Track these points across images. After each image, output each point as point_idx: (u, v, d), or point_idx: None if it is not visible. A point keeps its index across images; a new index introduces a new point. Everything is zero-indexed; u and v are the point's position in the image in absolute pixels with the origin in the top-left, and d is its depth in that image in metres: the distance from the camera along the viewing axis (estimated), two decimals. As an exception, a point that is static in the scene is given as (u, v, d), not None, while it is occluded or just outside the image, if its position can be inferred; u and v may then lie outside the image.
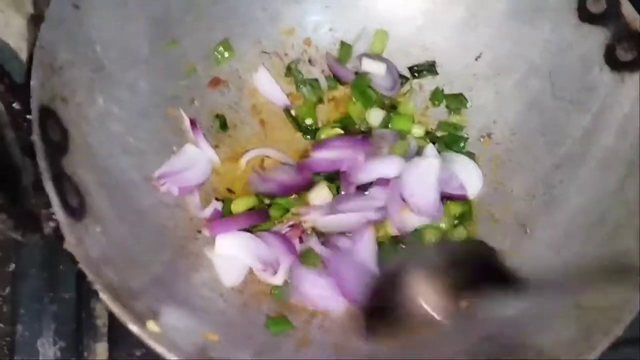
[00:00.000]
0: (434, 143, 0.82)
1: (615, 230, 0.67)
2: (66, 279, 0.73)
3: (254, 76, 0.86)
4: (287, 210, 0.78)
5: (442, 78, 0.87)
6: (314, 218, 0.77)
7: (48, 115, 0.62)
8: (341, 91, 0.88)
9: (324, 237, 0.77)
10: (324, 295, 0.73)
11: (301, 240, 0.76)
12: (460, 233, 0.79)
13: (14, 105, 0.60)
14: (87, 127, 0.68)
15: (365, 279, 0.71)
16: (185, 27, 0.81)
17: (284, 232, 0.77)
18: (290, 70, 0.87)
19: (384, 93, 0.86)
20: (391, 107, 0.86)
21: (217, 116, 0.83)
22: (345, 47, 0.88)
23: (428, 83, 0.87)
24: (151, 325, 0.58)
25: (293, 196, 0.79)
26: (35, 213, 0.57)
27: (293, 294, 0.73)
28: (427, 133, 0.85)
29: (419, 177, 0.77)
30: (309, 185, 0.79)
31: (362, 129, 0.85)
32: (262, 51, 0.87)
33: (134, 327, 0.56)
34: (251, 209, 0.78)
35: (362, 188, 0.79)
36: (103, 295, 0.56)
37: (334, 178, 0.80)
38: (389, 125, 0.84)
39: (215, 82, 0.84)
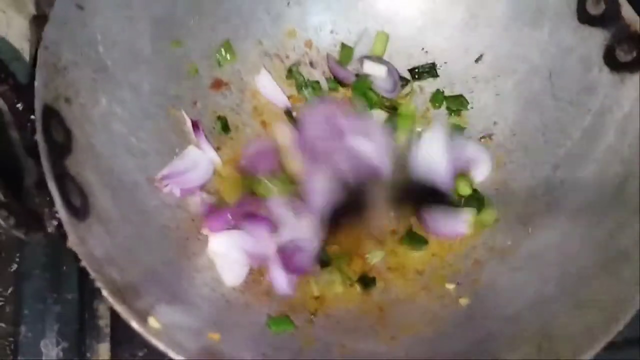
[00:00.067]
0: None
1: (615, 229, 0.67)
2: (69, 280, 0.74)
3: (255, 78, 0.86)
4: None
5: (442, 80, 0.87)
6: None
7: (51, 115, 0.62)
8: (342, 93, 0.88)
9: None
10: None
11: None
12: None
13: (18, 105, 0.61)
14: (90, 127, 0.69)
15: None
16: (188, 28, 0.81)
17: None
18: (291, 73, 0.88)
19: (385, 95, 0.87)
20: (392, 109, 0.86)
21: (219, 118, 0.84)
22: (346, 49, 0.88)
23: (428, 85, 0.88)
24: (152, 322, 0.58)
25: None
26: (39, 212, 0.58)
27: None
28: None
29: (429, 146, 0.80)
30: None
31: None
32: (264, 53, 0.87)
33: (135, 324, 0.56)
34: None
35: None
36: (105, 292, 0.56)
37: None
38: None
39: (217, 84, 0.85)
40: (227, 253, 0.73)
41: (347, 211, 0.78)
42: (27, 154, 0.61)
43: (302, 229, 0.76)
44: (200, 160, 0.79)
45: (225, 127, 0.84)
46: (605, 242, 0.67)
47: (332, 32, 0.88)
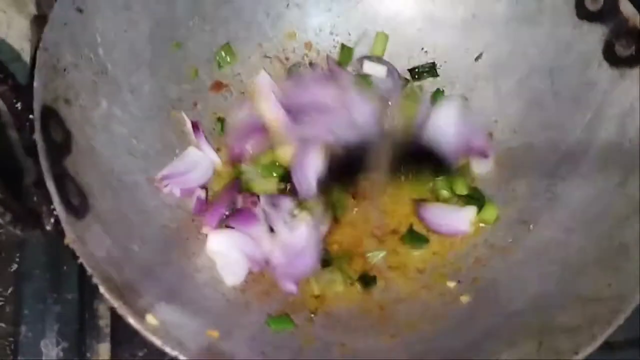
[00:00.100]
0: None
1: (616, 225, 0.66)
2: (69, 280, 0.74)
3: (255, 80, 0.86)
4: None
5: (442, 79, 0.87)
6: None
7: (50, 115, 0.63)
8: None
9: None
10: None
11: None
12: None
13: (17, 105, 0.61)
14: (90, 129, 0.69)
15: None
16: (189, 31, 0.82)
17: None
18: (291, 74, 0.88)
19: (385, 95, 0.86)
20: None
21: (219, 119, 0.84)
22: (345, 50, 0.88)
23: (429, 84, 0.88)
24: (150, 319, 0.58)
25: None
26: (37, 210, 0.58)
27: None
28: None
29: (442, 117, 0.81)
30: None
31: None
32: (264, 55, 0.88)
33: (132, 321, 0.56)
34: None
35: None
36: (102, 289, 0.56)
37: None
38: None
39: (218, 85, 0.85)
40: (227, 253, 0.73)
41: (345, 172, 0.79)
42: (26, 154, 0.61)
43: (301, 232, 0.76)
44: (200, 161, 0.79)
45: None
46: (605, 239, 0.67)
47: (331, 33, 0.89)
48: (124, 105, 0.75)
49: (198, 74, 0.83)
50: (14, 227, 0.55)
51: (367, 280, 0.75)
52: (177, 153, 0.79)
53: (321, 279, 0.75)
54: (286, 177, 0.79)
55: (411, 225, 0.79)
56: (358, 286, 0.75)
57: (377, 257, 0.77)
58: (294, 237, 0.75)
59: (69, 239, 0.57)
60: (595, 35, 0.74)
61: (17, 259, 0.75)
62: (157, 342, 0.56)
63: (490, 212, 0.78)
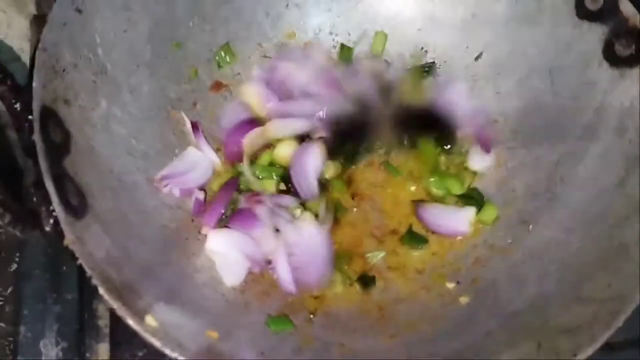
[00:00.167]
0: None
1: (616, 225, 0.66)
2: (69, 280, 0.74)
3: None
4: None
5: (442, 79, 0.87)
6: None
7: (49, 116, 0.63)
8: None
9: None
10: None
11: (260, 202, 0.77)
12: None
13: (16, 106, 0.61)
14: (89, 129, 0.69)
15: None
16: (189, 31, 0.82)
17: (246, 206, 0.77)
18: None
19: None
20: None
21: (219, 119, 0.84)
22: (345, 50, 0.88)
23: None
24: (150, 320, 0.58)
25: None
26: (37, 211, 0.58)
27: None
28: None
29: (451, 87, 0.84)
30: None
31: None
32: (264, 55, 0.88)
33: (131, 322, 0.56)
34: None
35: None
36: (101, 290, 0.56)
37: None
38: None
39: (217, 85, 0.85)
40: (226, 253, 0.73)
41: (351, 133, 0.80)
42: (25, 154, 0.61)
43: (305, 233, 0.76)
44: (199, 161, 0.79)
45: (225, 128, 0.84)
46: (605, 239, 0.67)
47: (331, 33, 0.89)
48: (124, 105, 0.75)
49: (198, 74, 0.83)
50: (13, 228, 0.55)
51: (366, 280, 0.75)
52: (176, 153, 0.79)
53: (321, 279, 0.75)
54: (286, 177, 0.79)
55: (410, 226, 0.79)
56: (357, 286, 0.75)
57: (376, 257, 0.77)
58: (303, 239, 0.75)
59: (68, 240, 0.57)
60: (595, 35, 0.73)
61: (17, 259, 0.75)
62: (156, 343, 0.56)
63: (489, 213, 0.78)
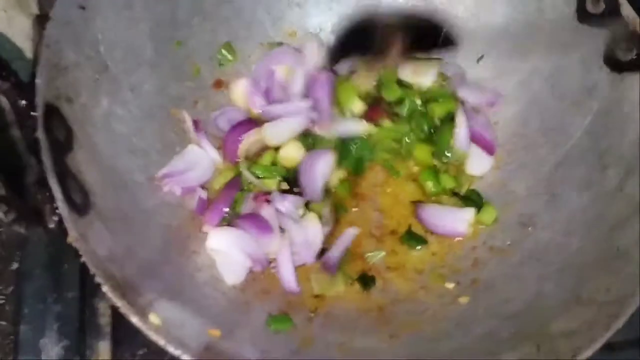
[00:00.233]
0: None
1: (615, 226, 0.67)
2: (70, 279, 0.74)
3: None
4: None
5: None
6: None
7: (53, 113, 0.63)
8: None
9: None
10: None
11: (268, 202, 0.77)
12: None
13: (20, 103, 0.61)
14: (91, 127, 0.69)
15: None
16: (190, 29, 0.82)
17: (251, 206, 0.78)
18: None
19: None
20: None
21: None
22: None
23: (429, 85, 0.88)
24: (153, 318, 0.58)
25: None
26: (40, 208, 0.58)
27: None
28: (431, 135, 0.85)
29: None
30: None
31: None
32: (265, 54, 0.87)
33: (135, 320, 0.56)
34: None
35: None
36: (105, 288, 0.56)
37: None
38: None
39: (219, 84, 0.85)
40: (227, 251, 0.73)
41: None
42: (29, 152, 0.61)
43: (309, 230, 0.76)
44: (200, 159, 0.79)
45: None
46: (605, 240, 0.67)
47: (332, 32, 0.89)
48: (125, 103, 0.75)
49: (199, 72, 0.83)
50: (17, 225, 0.55)
51: (366, 280, 0.76)
52: (177, 151, 0.79)
53: (321, 278, 0.75)
54: (288, 177, 0.80)
55: (410, 226, 0.80)
56: (357, 286, 0.76)
57: (376, 257, 0.78)
58: (307, 239, 0.76)
59: (72, 237, 0.57)
60: (596, 39, 0.74)
61: (18, 258, 0.75)
62: (159, 341, 0.57)
63: (488, 214, 0.79)
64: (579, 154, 0.75)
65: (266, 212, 0.76)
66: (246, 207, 0.77)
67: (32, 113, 0.60)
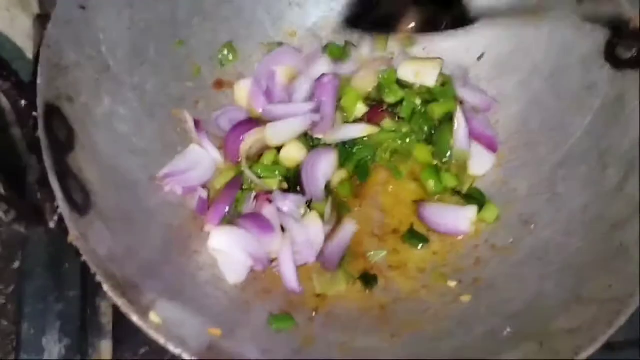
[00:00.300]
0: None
1: (616, 225, 0.67)
2: (71, 278, 0.74)
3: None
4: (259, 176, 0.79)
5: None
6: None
7: (54, 113, 0.63)
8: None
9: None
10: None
11: (270, 201, 0.77)
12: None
13: (21, 103, 0.61)
14: (93, 126, 0.69)
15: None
16: (191, 29, 0.82)
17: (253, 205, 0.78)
18: (292, 74, 0.88)
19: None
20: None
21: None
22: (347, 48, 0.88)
23: (430, 84, 0.88)
24: (153, 316, 0.58)
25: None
26: (41, 208, 0.58)
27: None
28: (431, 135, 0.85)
29: None
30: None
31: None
32: (266, 54, 0.88)
33: (135, 318, 0.56)
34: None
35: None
36: (106, 287, 0.56)
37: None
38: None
39: (219, 83, 0.85)
40: (229, 251, 0.73)
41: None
42: (30, 151, 0.62)
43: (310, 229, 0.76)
44: (202, 159, 0.79)
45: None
46: (606, 239, 0.67)
47: (333, 32, 0.89)
48: (126, 103, 0.75)
49: (200, 72, 0.84)
50: (18, 224, 0.55)
51: (368, 279, 0.76)
52: (178, 151, 0.79)
53: (322, 278, 0.75)
54: (289, 176, 0.80)
55: (412, 225, 0.80)
56: (359, 285, 0.76)
57: (377, 256, 0.78)
58: (309, 238, 0.76)
59: (73, 236, 0.57)
60: (597, 36, 0.74)
61: (19, 257, 0.75)
62: (160, 340, 0.57)
63: (490, 212, 0.78)
64: (579, 153, 0.75)
65: (267, 211, 0.76)
66: (247, 206, 0.77)
67: (33, 113, 0.60)
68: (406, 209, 0.81)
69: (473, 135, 0.82)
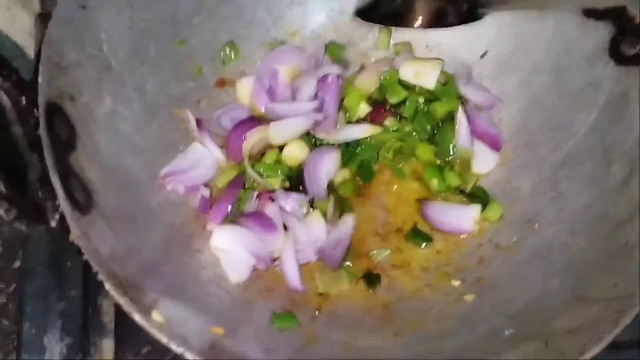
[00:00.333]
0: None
1: (619, 224, 0.66)
2: (73, 276, 0.74)
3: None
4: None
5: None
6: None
7: (55, 111, 0.63)
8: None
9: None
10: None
11: (272, 200, 0.77)
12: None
13: (22, 101, 0.61)
14: (94, 125, 0.69)
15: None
16: (192, 28, 0.82)
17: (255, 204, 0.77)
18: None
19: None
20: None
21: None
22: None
23: (432, 82, 0.87)
24: (156, 315, 0.58)
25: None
26: (42, 206, 0.58)
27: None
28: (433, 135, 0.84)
29: None
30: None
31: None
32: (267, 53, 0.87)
33: (137, 317, 0.56)
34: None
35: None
36: (107, 286, 0.56)
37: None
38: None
39: (221, 83, 0.85)
40: (231, 249, 0.73)
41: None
42: (31, 150, 0.61)
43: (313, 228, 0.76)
44: (204, 158, 0.79)
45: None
46: (609, 238, 0.67)
47: (334, 31, 0.88)
48: (128, 102, 0.75)
49: (202, 71, 0.83)
50: (19, 223, 0.55)
51: (371, 278, 0.75)
52: (180, 150, 0.79)
53: (325, 276, 0.75)
54: (291, 175, 0.79)
55: (415, 224, 0.79)
56: (362, 284, 0.75)
57: (381, 255, 0.77)
58: (311, 237, 0.75)
59: (74, 235, 0.57)
60: (601, 33, 0.74)
61: (20, 256, 0.75)
62: (162, 339, 0.56)
63: (494, 211, 0.78)
64: (583, 150, 0.74)
65: (270, 210, 0.76)
66: (250, 205, 0.77)
67: (34, 112, 0.60)
68: (409, 208, 0.81)
69: (476, 134, 0.81)
